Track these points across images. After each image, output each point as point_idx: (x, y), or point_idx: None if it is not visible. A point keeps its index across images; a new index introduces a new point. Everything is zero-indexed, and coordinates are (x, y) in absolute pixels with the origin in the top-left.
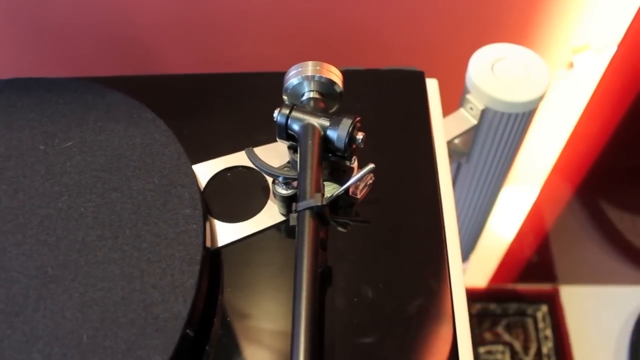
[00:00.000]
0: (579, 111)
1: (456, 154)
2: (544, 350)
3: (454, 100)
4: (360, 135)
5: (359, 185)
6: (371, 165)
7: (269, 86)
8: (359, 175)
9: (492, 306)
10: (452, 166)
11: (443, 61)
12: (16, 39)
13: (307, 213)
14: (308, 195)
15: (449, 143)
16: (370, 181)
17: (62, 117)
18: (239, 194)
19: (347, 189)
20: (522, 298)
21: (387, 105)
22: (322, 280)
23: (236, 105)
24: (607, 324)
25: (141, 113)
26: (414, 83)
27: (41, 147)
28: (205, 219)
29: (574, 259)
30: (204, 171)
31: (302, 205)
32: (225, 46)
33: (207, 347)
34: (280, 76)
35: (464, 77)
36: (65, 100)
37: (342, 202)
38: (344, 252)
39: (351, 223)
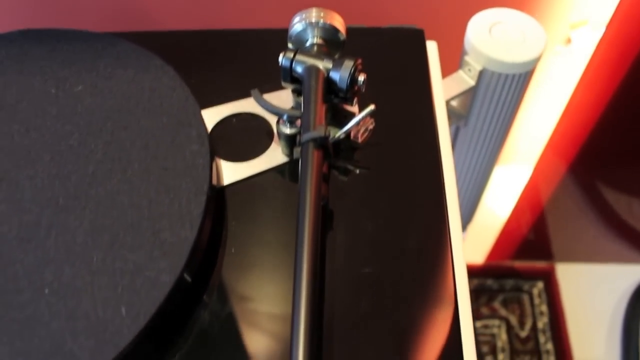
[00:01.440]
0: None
1: (454, 117)
2: (539, 325)
3: (452, 65)
4: (362, 77)
5: (359, 129)
6: (372, 106)
7: (274, 41)
8: (360, 115)
9: (489, 282)
10: (451, 130)
11: (442, 25)
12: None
13: (311, 144)
14: (312, 127)
15: (447, 105)
16: (371, 126)
17: (72, 64)
18: (244, 137)
19: (348, 133)
20: (519, 274)
21: (388, 62)
22: (324, 213)
23: (241, 59)
24: (601, 301)
25: (150, 60)
26: (414, 41)
27: (52, 91)
28: (212, 155)
29: (570, 237)
30: (210, 117)
31: (305, 136)
32: (228, 2)
33: (211, 276)
34: (284, 32)
35: (461, 43)
36: (75, 49)
37: (343, 146)
38: (345, 192)
39: (352, 168)
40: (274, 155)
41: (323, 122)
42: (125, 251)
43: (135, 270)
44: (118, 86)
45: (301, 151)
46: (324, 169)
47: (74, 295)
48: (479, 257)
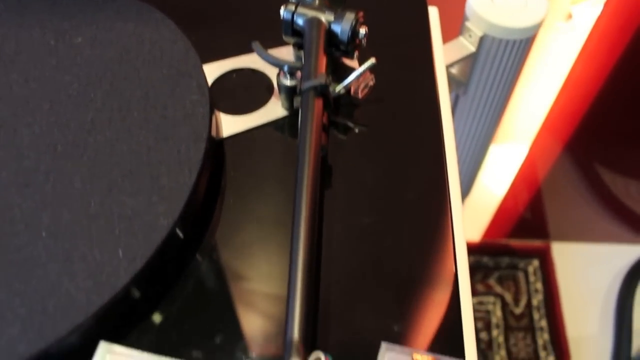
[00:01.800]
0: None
1: (454, 84)
2: (534, 302)
3: (452, 33)
4: (363, 30)
5: (360, 84)
6: (372, 60)
7: None
8: (361, 69)
9: (485, 259)
10: (450, 97)
11: None
12: None
13: (311, 93)
14: (312, 76)
15: (447, 72)
16: (372, 83)
17: (72, 17)
18: (243, 92)
19: (348, 88)
20: (515, 252)
21: (389, 25)
22: (323, 166)
23: (242, 15)
24: (595, 280)
25: (150, 13)
26: (416, 4)
27: (52, 42)
28: (212, 105)
29: (566, 216)
30: (210, 72)
31: (306, 84)
32: None
33: (209, 225)
34: None
35: (461, 11)
36: (76, 2)
37: (343, 102)
38: (344, 148)
39: (352, 125)
40: (274, 109)
41: (324, 71)
42: (124, 196)
43: (133, 215)
44: (118, 38)
45: (301, 100)
46: (324, 119)
47: (72, 238)
48: (475, 235)
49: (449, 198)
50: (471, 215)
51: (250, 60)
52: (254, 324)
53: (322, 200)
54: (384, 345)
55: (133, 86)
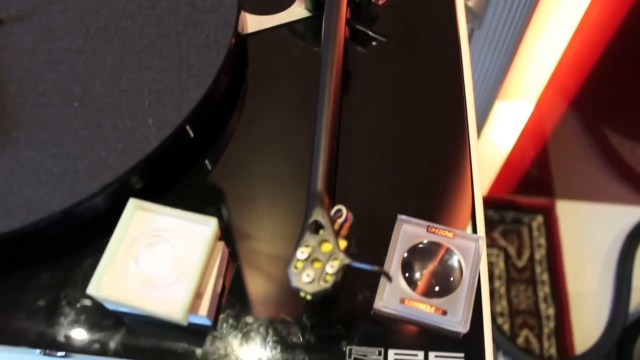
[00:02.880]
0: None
1: (470, 15)
2: (537, 257)
3: None
4: None
5: None
6: None
7: None
8: None
9: (490, 212)
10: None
11: None
12: None
13: None
14: None
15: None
16: None
17: None
18: None
19: None
20: (520, 208)
21: None
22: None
23: None
24: (598, 239)
25: None
26: None
27: None
28: None
29: (571, 175)
30: None
31: None
32: None
33: (234, 109)
34: None
35: None
36: None
37: (364, 8)
38: (364, 56)
39: (371, 35)
40: (297, 10)
41: None
42: (154, 72)
43: (163, 89)
44: None
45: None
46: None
47: (103, 108)
48: (481, 190)
49: (464, 99)
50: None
51: None
52: (276, 196)
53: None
54: (400, 218)
55: None
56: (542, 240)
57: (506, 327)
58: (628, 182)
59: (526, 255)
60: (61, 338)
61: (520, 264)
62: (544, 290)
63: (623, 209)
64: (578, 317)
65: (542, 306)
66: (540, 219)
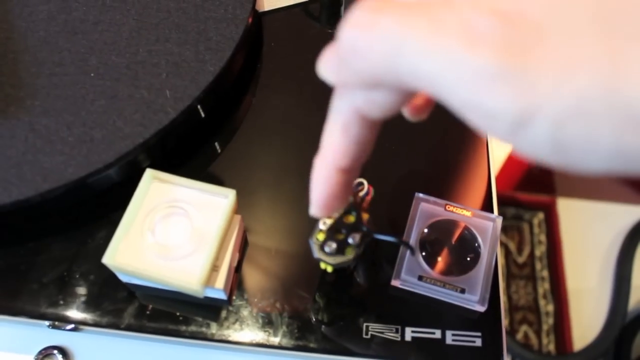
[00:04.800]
0: None
1: None
2: (537, 253)
3: None
4: None
5: None
6: None
7: None
8: None
9: None
10: None
11: None
12: None
13: None
14: None
15: None
16: None
17: None
18: None
19: None
20: (521, 204)
21: None
22: None
23: None
24: (598, 237)
25: None
26: None
27: None
28: None
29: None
30: None
31: None
32: None
33: (249, 85)
34: None
35: None
36: None
37: None
38: None
39: None
40: None
41: None
42: (171, 45)
43: (181, 61)
44: None
45: None
46: None
47: (120, 79)
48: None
49: None
50: None
51: None
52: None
53: None
54: (418, 196)
55: None
56: (543, 237)
57: (505, 322)
58: (629, 182)
59: (526, 251)
60: (71, 311)
61: (521, 260)
62: (544, 286)
63: (623, 207)
64: (577, 314)
65: (542, 302)
66: (541, 215)
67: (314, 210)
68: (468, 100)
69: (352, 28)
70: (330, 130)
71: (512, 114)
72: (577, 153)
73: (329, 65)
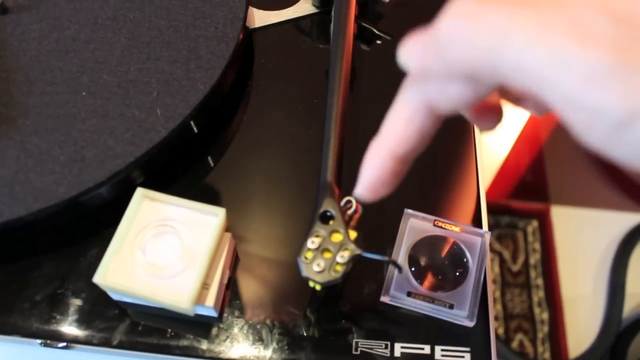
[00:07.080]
0: None
1: None
2: (531, 261)
3: None
4: None
5: None
6: None
7: None
8: None
9: None
10: None
11: None
12: None
13: None
14: None
15: None
16: None
17: None
18: None
19: None
20: (515, 212)
21: None
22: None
23: None
24: (592, 244)
25: None
26: None
27: None
28: None
29: (567, 180)
30: None
31: None
32: None
33: (240, 101)
34: None
35: None
36: None
37: (370, 7)
38: (369, 56)
39: (377, 33)
40: (304, 7)
41: None
42: (162, 63)
43: (172, 80)
44: None
45: None
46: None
47: (111, 98)
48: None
49: None
50: None
51: None
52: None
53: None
54: (407, 212)
55: None
56: (537, 245)
57: (500, 331)
58: (622, 189)
59: (521, 259)
60: (63, 329)
61: (515, 268)
62: (539, 294)
63: (617, 215)
64: (572, 322)
65: (537, 310)
66: (535, 223)
67: (360, 190)
68: (572, 96)
69: (456, 17)
70: (394, 117)
71: (620, 113)
72: None
73: (413, 50)
